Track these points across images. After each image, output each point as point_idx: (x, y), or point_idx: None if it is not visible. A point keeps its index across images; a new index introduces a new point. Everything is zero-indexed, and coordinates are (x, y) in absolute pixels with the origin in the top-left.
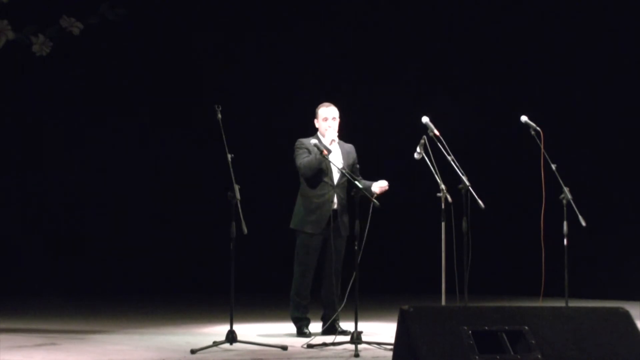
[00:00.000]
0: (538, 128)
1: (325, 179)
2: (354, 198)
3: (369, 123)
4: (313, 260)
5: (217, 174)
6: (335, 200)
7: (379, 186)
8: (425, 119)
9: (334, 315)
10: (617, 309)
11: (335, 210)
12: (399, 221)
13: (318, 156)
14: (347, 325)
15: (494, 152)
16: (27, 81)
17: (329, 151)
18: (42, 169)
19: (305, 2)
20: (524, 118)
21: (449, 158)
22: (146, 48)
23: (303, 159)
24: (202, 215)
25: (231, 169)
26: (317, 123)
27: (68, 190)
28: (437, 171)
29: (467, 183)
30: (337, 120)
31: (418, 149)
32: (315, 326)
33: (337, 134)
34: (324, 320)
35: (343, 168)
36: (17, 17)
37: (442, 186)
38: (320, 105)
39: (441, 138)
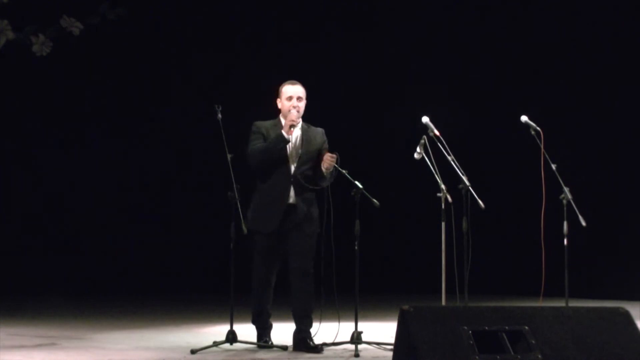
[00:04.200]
0: (538, 128)
1: (280, 169)
2: (354, 197)
3: (369, 123)
4: (273, 263)
5: (217, 174)
6: (292, 193)
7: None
8: (425, 119)
9: (308, 329)
10: (617, 309)
11: (292, 205)
12: (399, 221)
13: (279, 145)
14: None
15: (494, 152)
16: (26, 82)
17: (287, 141)
18: (42, 168)
19: (305, 2)
20: (524, 118)
21: (449, 158)
22: (146, 47)
23: (255, 145)
24: (202, 215)
25: (231, 169)
26: (280, 103)
27: (68, 190)
28: (437, 171)
29: (467, 183)
30: (304, 101)
31: (418, 149)
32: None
33: (300, 116)
34: (295, 337)
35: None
36: (17, 17)
37: (442, 186)
38: (285, 82)
39: (441, 138)
